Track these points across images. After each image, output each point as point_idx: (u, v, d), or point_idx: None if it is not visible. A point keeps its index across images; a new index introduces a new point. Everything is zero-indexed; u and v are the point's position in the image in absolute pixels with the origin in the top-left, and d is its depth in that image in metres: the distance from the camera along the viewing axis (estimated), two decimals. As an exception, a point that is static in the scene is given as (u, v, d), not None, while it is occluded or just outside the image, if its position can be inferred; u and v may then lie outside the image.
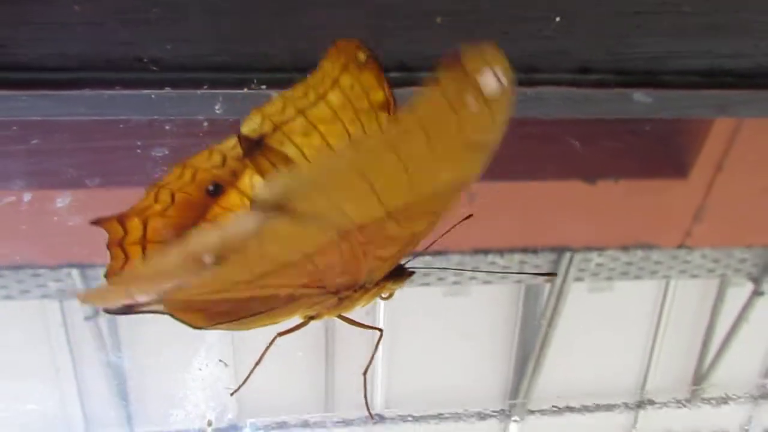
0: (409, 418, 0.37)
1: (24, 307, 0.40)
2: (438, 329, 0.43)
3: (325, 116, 0.30)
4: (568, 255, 0.46)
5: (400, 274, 0.30)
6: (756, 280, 0.47)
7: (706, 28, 0.44)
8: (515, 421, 0.39)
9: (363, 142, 0.20)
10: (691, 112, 0.48)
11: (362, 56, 0.30)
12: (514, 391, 0.43)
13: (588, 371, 0.44)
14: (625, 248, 0.46)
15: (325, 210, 0.22)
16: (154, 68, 0.40)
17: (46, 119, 0.40)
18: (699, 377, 0.45)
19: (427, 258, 0.38)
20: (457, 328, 0.43)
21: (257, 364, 0.32)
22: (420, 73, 0.42)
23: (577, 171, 0.47)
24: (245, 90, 0.41)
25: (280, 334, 0.31)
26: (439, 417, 0.37)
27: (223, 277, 0.23)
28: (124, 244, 0.29)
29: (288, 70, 0.40)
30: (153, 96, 0.40)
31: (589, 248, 0.46)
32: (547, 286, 0.45)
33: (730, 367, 0.45)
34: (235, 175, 0.31)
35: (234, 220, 0.21)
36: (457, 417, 0.37)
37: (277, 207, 0.20)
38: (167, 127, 0.40)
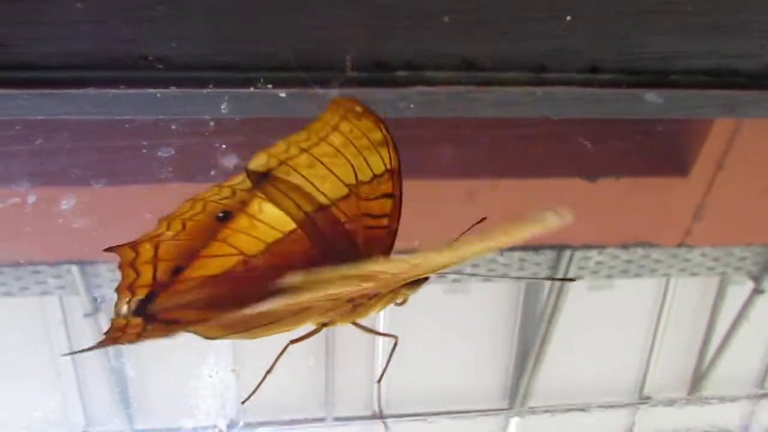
0: (409, 417, 0.37)
1: (23, 304, 0.40)
2: (438, 327, 0.43)
3: (328, 152, 0.32)
4: (568, 253, 0.46)
5: (415, 280, 0.30)
6: (756, 279, 0.47)
7: (709, 28, 0.44)
8: (515, 418, 0.39)
9: None
10: (700, 112, 0.48)
11: (359, 109, 0.32)
12: (514, 389, 0.43)
13: (588, 369, 0.44)
14: (625, 246, 0.46)
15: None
16: (160, 66, 0.40)
17: (50, 119, 0.39)
18: (699, 375, 0.45)
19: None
20: (456, 326, 0.43)
21: (269, 371, 0.32)
22: (426, 72, 0.42)
23: (577, 169, 0.47)
24: (251, 89, 0.41)
25: (293, 341, 0.31)
26: (439, 415, 0.37)
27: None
28: (135, 263, 0.30)
29: (294, 69, 0.40)
30: (158, 95, 0.40)
31: (589, 246, 0.46)
32: (547, 284, 0.45)
33: (730, 365, 0.45)
34: (244, 204, 0.32)
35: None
36: (457, 415, 0.37)
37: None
38: (173, 127, 0.39)
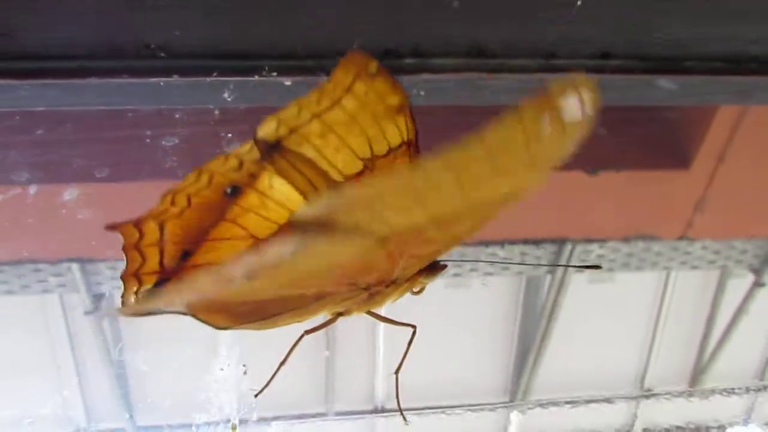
0: (410, 411, 0.37)
1: (25, 302, 0.39)
2: (439, 322, 0.42)
3: (342, 120, 0.30)
4: (569, 246, 0.46)
5: (433, 268, 0.29)
6: (757, 272, 0.48)
7: (723, 13, 0.44)
8: (516, 412, 0.39)
9: (424, 165, 0.20)
10: (713, 99, 0.48)
11: (373, 67, 0.30)
12: (515, 383, 0.43)
13: (589, 362, 0.44)
14: (626, 239, 0.46)
15: (367, 222, 0.21)
16: (163, 55, 0.39)
17: (52, 109, 0.39)
18: (699, 368, 0.45)
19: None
20: (457, 321, 0.43)
21: (282, 363, 0.31)
22: (435, 59, 0.42)
23: (578, 162, 0.47)
24: (256, 77, 0.40)
25: (308, 331, 0.30)
26: (440, 409, 0.37)
27: (254, 287, 0.23)
28: (140, 246, 0.29)
29: (300, 57, 0.40)
30: (161, 84, 0.39)
31: (589, 239, 0.46)
32: (548, 277, 0.45)
33: (731, 358, 0.45)
34: (253, 177, 0.31)
35: (274, 245, 0.20)
36: (458, 409, 0.37)
37: (318, 225, 0.19)
38: (177, 116, 0.39)
